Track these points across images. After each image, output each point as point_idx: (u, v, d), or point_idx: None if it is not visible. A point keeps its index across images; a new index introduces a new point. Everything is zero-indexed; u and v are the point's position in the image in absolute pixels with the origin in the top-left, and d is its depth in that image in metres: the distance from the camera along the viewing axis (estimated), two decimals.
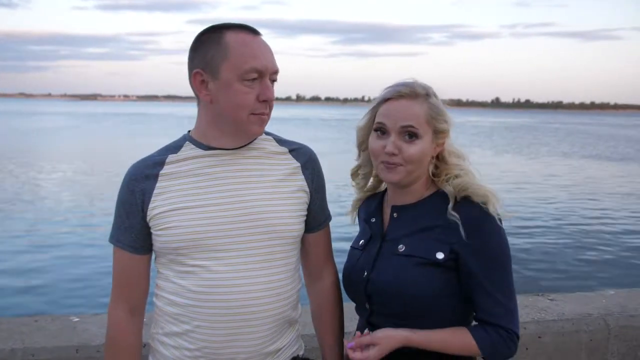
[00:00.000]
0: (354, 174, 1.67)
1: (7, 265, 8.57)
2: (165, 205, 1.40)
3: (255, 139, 1.47)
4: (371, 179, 1.65)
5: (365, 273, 1.50)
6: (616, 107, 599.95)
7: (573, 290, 2.94)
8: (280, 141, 1.55)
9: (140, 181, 1.42)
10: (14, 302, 7.03)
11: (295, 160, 1.53)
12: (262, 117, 1.41)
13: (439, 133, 1.48)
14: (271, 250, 1.44)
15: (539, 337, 2.44)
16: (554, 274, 8.42)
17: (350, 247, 1.65)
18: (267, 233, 1.43)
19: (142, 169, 1.44)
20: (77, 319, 2.33)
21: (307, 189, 1.53)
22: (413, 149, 1.44)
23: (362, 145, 1.58)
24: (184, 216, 1.39)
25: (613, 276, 8.75)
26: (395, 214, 1.53)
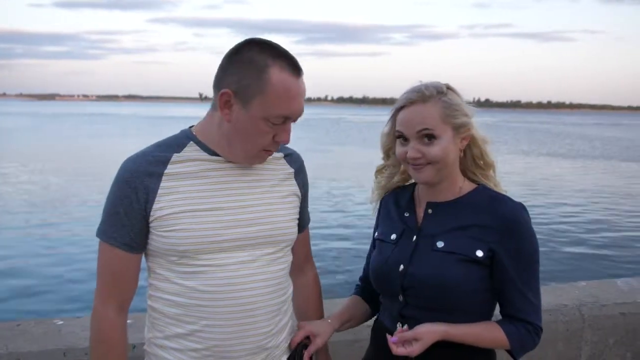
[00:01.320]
0: (379, 172, 1.70)
1: None
2: (172, 207, 1.38)
3: None
4: (397, 175, 1.68)
5: (402, 266, 1.51)
6: (571, 106, 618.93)
7: (546, 284, 3.05)
8: None
9: (143, 178, 1.37)
10: None
11: (289, 166, 1.57)
12: (270, 152, 1.43)
13: (459, 128, 1.50)
14: (272, 251, 1.48)
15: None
16: None
17: (377, 239, 1.66)
18: (270, 236, 1.47)
19: (144, 165, 1.38)
20: (61, 322, 2.29)
21: (299, 194, 1.59)
22: (434, 150, 1.46)
23: (389, 150, 1.63)
24: (193, 219, 1.38)
25: (575, 269, 9.08)
26: (430, 210, 1.56)
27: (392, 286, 1.54)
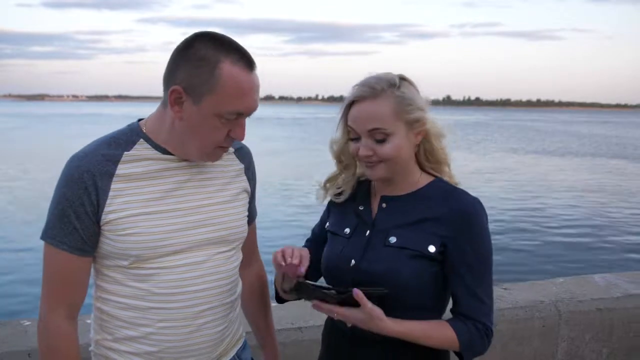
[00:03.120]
0: (331, 181, 1.63)
1: None
2: (123, 210, 1.32)
3: None
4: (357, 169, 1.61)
5: (354, 262, 1.48)
6: (560, 104, 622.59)
7: (526, 280, 3.04)
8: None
9: (94, 178, 1.30)
10: None
11: (239, 162, 1.54)
12: (225, 149, 1.39)
13: (413, 123, 1.44)
14: (225, 249, 1.47)
15: (495, 325, 2.50)
16: (507, 266, 8.69)
17: (329, 231, 1.61)
18: (223, 237, 1.45)
19: (94, 163, 1.31)
20: (28, 323, 2.25)
21: (249, 189, 1.57)
22: (386, 148, 1.43)
23: (340, 156, 1.57)
24: (145, 222, 1.33)
25: (559, 266, 9.11)
26: (384, 205, 1.52)
27: (343, 282, 1.48)
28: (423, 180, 1.53)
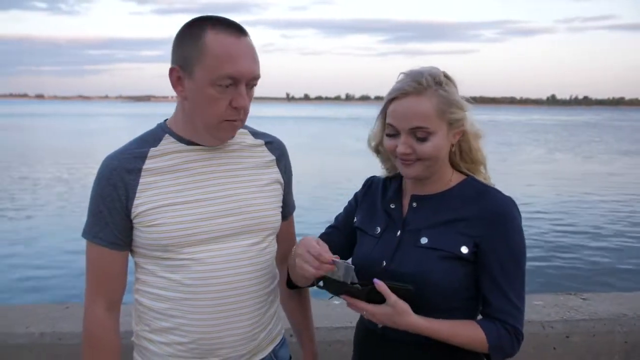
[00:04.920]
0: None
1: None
2: (151, 202, 1.37)
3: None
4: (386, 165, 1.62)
5: (385, 263, 1.46)
6: None
7: (607, 290, 2.82)
8: (256, 134, 1.56)
9: (123, 175, 1.38)
10: (51, 287, 7.28)
11: (270, 153, 1.56)
12: (234, 123, 1.38)
13: (454, 123, 1.42)
14: (255, 240, 1.47)
15: (567, 336, 2.35)
16: (593, 274, 8.13)
17: (359, 229, 1.58)
18: (252, 225, 1.46)
19: (122, 162, 1.39)
20: None
21: (282, 181, 1.58)
22: (427, 147, 1.40)
23: (379, 148, 1.56)
24: (172, 213, 1.38)
25: None
26: (414, 204, 1.50)
27: None
28: (455, 179, 1.50)
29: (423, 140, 1.39)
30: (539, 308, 2.50)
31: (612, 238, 10.51)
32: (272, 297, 1.55)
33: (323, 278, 1.35)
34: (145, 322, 1.47)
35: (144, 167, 1.39)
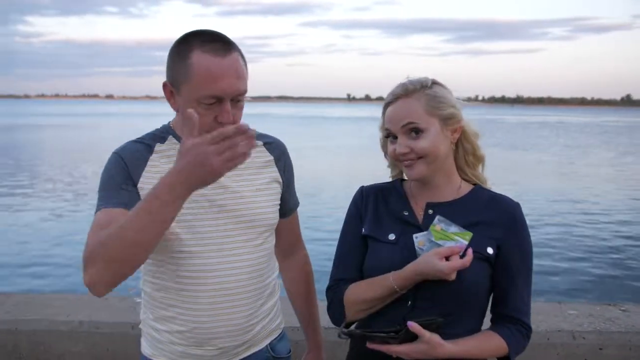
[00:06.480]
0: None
1: None
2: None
3: None
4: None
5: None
6: None
7: None
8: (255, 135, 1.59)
9: (132, 158, 1.45)
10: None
11: (268, 153, 1.61)
12: None
13: (447, 119, 1.46)
14: (251, 236, 1.52)
15: (600, 348, 2.26)
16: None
17: (369, 236, 1.53)
18: (248, 221, 1.51)
19: (129, 151, 1.47)
20: (139, 300, 2.53)
21: (280, 180, 1.63)
22: (422, 143, 1.44)
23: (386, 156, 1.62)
24: None
25: None
26: (430, 211, 1.50)
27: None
28: (464, 188, 1.54)
29: (417, 136, 1.44)
30: (571, 317, 2.42)
31: None
32: (268, 291, 1.59)
33: (349, 334, 1.38)
34: (150, 311, 1.56)
35: (151, 157, 1.48)
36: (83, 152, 25.50)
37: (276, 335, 1.66)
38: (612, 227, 11.27)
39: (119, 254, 1.22)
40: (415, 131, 1.44)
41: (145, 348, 1.60)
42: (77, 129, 47.57)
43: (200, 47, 1.36)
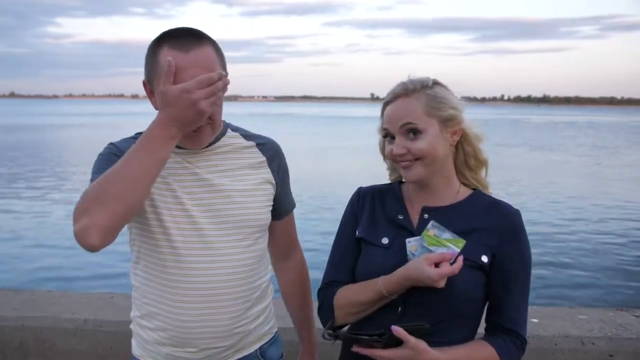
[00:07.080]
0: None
1: None
2: None
3: (210, 142, 1.49)
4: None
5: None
6: None
7: None
8: (247, 136, 1.59)
9: (126, 149, 1.36)
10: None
11: (261, 154, 1.59)
12: (201, 129, 1.40)
13: (446, 121, 1.42)
14: (240, 237, 1.50)
15: (610, 355, 2.19)
16: None
17: (362, 239, 1.51)
18: (236, 222, 1.49)
19: (124, 145, 1.45)
20: None
21: (273, 181, 1.60)
22: (419, 144, 1.40)
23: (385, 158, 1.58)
24: (161, 203, 1.43)
25: None
26: (425, 215, 1.47)
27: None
28: (463, 192, 1.50)
29: (415, 137, 1.40)
30: (581, 322, 2.35)
31: None
32: (257, 293, 1.57)
33: (336, 335, 1.37)
34: (137, 308, 1.56)
35: None
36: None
37: (267, 340, 1.63)
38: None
39: (116, 188, 1.24)
40: (413, 132, 1.40)
41: (135, 349, 1.60)
42: (104, 128, 48.27)
43: (168, 44, 1.37)
